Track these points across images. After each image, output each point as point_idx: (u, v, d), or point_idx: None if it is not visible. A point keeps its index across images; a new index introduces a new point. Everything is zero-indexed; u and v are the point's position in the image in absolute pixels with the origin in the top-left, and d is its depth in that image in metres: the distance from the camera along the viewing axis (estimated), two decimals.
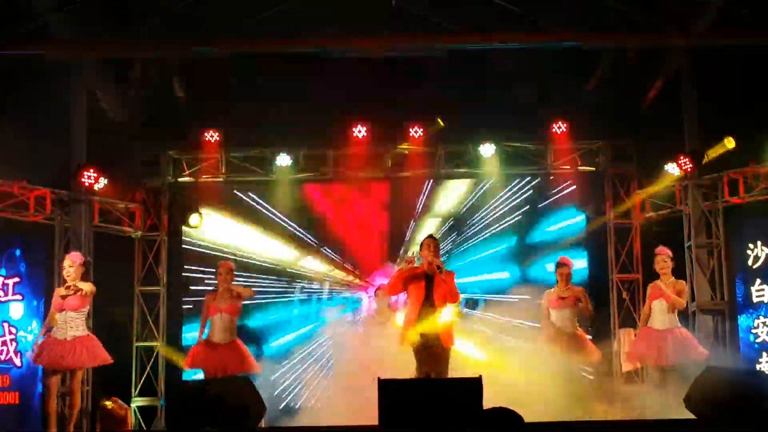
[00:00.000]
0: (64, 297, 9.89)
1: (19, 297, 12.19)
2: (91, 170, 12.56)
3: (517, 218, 13.97)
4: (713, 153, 12.54)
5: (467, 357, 10.82)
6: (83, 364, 9.82)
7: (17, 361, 12.06)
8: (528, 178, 14.05)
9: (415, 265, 9.16)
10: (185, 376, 12.05)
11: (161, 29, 12.07)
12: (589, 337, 11.58)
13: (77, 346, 9.74)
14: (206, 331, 10.26)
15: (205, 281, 13.46)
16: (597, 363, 10.83)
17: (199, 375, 10.62)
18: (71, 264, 10.01)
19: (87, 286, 9.95)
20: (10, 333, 12.08)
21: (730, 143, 12.35)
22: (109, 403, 12.16)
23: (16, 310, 12.17)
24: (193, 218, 13.64)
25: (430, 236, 9.28)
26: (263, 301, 13.64)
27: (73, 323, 9.79)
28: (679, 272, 11.01)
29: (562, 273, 10.43)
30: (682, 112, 12.79)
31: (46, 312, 11.86)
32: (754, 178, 12.48)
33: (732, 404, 6.77)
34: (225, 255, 13.17)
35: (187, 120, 13.47)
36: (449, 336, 8.95)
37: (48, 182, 12.60)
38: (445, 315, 8.95)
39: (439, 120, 13.36)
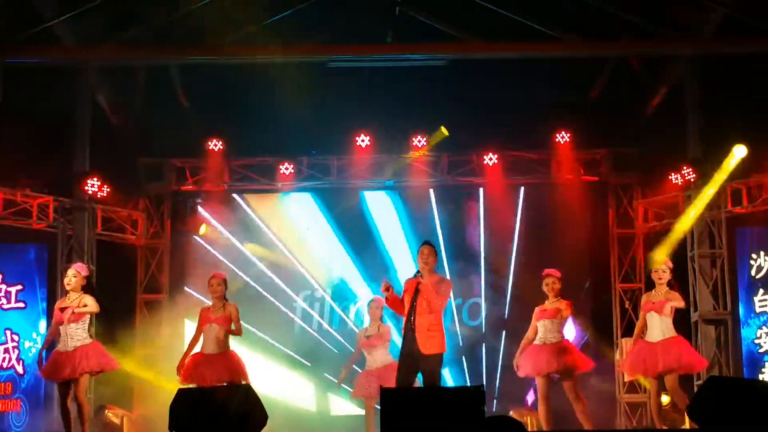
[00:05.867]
0: (63, 310, 9.83)
1: (21, 305, 12.21)
2: (94, 178, 12.59)
3: None
4: None
5: None
6: (83, 370, 9.75)
7: (19, 369, 12.07)
8: None
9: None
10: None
11: (164, 36, 12.09)
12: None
13: (77, 355, 9.68)
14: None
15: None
16: (586, 372, 10.66)
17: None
18: (75, 274, 9.93)
19: (90, 303, 9.84)
20: (13, 340, 12.10)
21: None
22: (109, 413, 12.17)
23: (19, 317, 12.19)
24: (202, 227, 13.77)
25: (424, 243, 9.28)
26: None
27: (74, 334, 9.71)
28: (683, 282, 11.00)
29: (548, 284, 10.26)
30: (686, 121, 12.79)
31: (48, 320, 11.91)
32: (757, 188, 12.47)
33: (736, 414, 6.75)
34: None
35: (191, 128, 13.48)
36: (429, 344, 8.91)
37: (51, 190, 12.61)
38: (427, 322, 8.93)
39: (443, 129, 13.38)
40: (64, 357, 9.65)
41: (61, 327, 9.71)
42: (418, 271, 8.98)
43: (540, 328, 9.93)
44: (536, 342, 9.98)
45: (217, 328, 9.90)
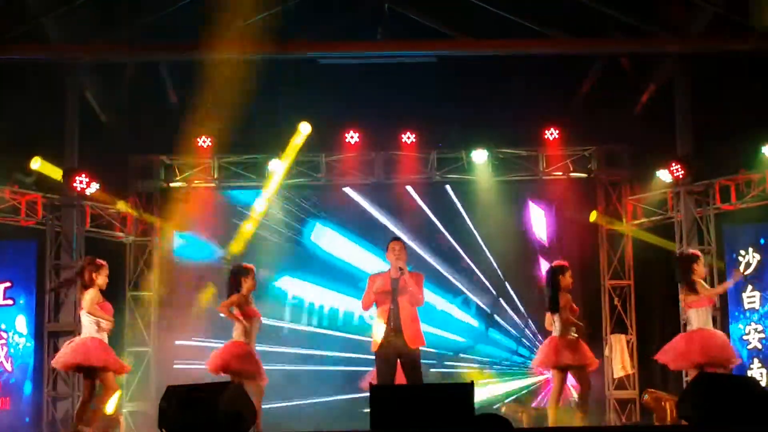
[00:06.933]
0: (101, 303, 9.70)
1: (10, 302, 12.17)
2: (83, 175, 12.55)
3: None
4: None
5: None
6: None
7: (7, 366, 12.04)
8: None
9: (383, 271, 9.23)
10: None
11: (153, 33, 12.06)
12: None
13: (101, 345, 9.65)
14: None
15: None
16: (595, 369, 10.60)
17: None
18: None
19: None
20: (1, 338, 12.06)
21: None
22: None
23: (7, 314, 12.15)
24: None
25: (394, 239, 9.28)
26: None
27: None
28: (670, 278, 11.01)
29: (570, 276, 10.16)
30: (675, 118, 12.80)
31: (37, 316, 11.94)
32: (746, 184, 12.49)
33: (724, 410, 6.77)
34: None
35: (180, 125, 13.44)
36: (416, 338, 8.95)
37: (40, 187, 12.57)
38: (411, 317, 8.95)
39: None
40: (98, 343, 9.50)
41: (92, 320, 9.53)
42: (400, 268, 8.98)
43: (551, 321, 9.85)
44: (555, 335, 9.85)
45: (258, 321, 9.71)
